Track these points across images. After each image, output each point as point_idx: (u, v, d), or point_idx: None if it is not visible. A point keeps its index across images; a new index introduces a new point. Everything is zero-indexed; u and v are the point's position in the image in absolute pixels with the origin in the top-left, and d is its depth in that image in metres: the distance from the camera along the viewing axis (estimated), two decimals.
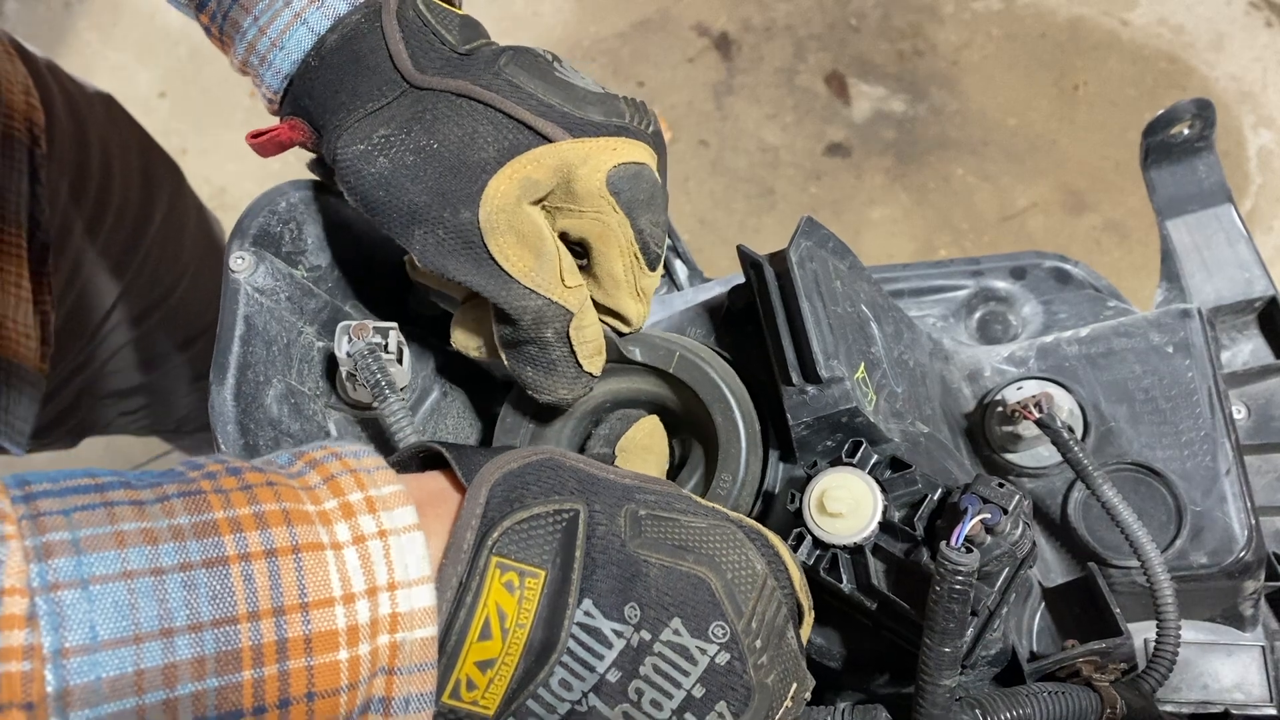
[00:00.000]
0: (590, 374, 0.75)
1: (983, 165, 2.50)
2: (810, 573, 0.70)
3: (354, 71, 0.71)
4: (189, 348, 1.46)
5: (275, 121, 0.77)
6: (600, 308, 0.76)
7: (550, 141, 0.69)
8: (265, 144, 0.76)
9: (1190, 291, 0.92)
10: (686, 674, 0.53)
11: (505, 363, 0.74)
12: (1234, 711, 0.78)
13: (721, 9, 2.74)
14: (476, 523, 0.51)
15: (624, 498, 0.57)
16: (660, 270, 0.77)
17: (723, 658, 0.54)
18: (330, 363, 0.82)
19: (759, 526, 0.62)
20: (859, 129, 2.58)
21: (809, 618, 0.63)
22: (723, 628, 0.54)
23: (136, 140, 1.34)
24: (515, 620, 0.51)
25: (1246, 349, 0.92)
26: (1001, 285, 0.96)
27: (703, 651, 0.54)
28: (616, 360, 0.79)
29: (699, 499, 0.62)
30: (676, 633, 0.53)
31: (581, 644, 0.52)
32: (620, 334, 0.78)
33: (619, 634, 0.52)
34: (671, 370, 0.78)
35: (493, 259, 0.68)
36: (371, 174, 0.69)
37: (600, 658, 0.52)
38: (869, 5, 2.69)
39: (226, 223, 2.65)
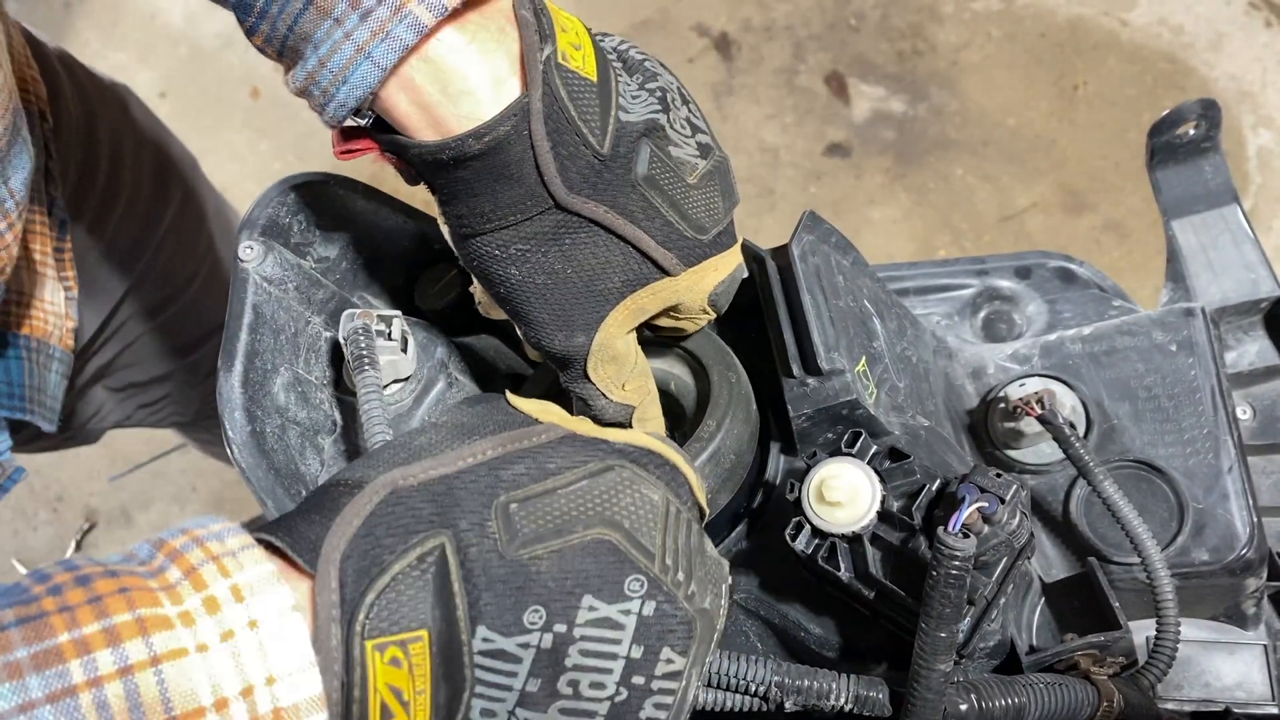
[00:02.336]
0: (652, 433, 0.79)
1: (982, 165, 2.50)
2: (809, 561, 0.70)
3: (496, 180, 0.66)
4: (209, 340, 1.46)
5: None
6: None
7: (668, 274, 0.71)
8: (350, 159, 0.72)
9: (1196, 292, 0.92)
10: (618, 642, 0.52)
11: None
12: (1235, 710, 0.79)
13: (721, 9, 2.74)
14: (337, 612, 0.47)
15: (488, 493, 0.54)
16: None
17: (649, 608, 0.53)
18: (336, 352, 0.82)
19: (647, 441, 0.60)
20: (859, 129, 2.58)
21: (705, 513, 0.62)
22: (638, 580, 0.53)
23: (151, 132, 1.33)
24: (412, 690, 0.48)
25: (1252, 350, 0.92)
26: (1006, 284, 0.96)
27: (625, 613, 0.52)
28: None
29: (580, 434, 0.59)
30: (592, 609, 0.52)
31: (489, 669, 0.50)
32: None
33: (524, 645, 0.51)
34: (683, 343, 0.79)
35: (586, 373, 0.72)
36: (499, 276, 0.70)
37: (513, 675, 0.50)
38: (869, 5, 2.69)
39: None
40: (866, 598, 0.70)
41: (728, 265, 0.75)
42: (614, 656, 0.52)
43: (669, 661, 0.53)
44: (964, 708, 0.64)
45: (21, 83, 1.03)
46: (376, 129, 0.68)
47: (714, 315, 0.77)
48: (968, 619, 0.67)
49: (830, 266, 0.79)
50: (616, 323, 0.71)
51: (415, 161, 0.67)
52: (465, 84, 0.63)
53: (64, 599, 0.43)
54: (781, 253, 0.78)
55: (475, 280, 0.73)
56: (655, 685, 0.53)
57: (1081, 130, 2.51)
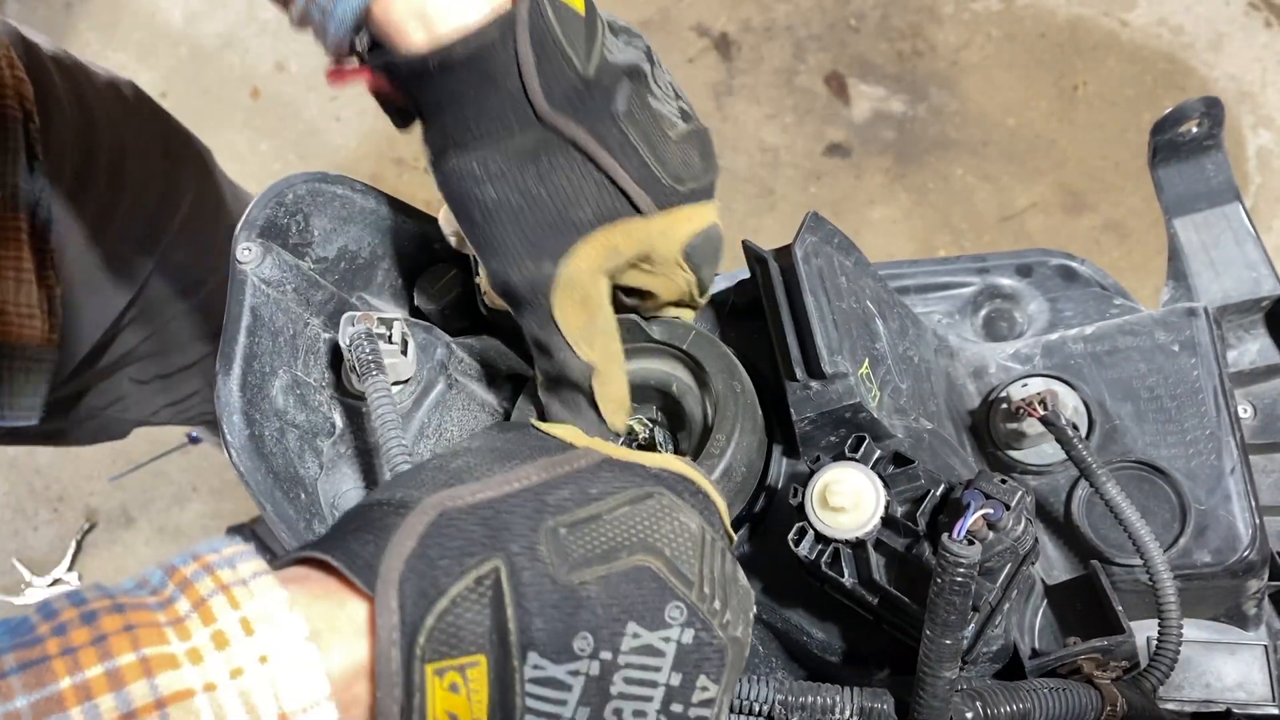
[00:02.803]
0: (613, 430, 0.77)
1: (982, 165, 2.50)
2: (812, 567, 0.70)
3: (480, 88, 0.69)
4: None
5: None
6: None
7: (641, 214, 0.72)
8: (342, 83, 0.74)
9: (1197, 290, 0.92)
10: (658, 669, 0.52)
11: (539, 391, 0.78)
12: (1236, 710, 0.78)
13: (721, 9, 2.74)
14: (398, 635, 0.47)
15: (538, 518, 0.53)
16: (705, 300, 0.81)
17: (688, 636, 0.53)
18: (336, 354, 0.82)
19: (680, 468, 0.60)
20: (859, 129, 2.58)
21: (733, 540, 0.62)
22: (678, 607, 0.53)
23: (159, 126, 1.32)
24: (471, 715, 0.48)
25: (1253, 348, 0.92)
26: (1007, 282, 0.96)
27: (666, 640, 0.52)
28: (633, 342, 0.80)
29: (616, 459, 0.59)
30: (636, 635, 0.52)
31: (540, 698, 0.49)
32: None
33: (574, 673, 0.50)
34: (685, 347, 0.79)
35: (551, 310, 0.72)
36: (476, 197, 0.71)
37: (564, 703, 0.50)
38: (869, 6, 2.69)
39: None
40: (870, 604, 0.69)
41: (703, 218, 0.75)
42: (655, 684, 0.52)
43: (704, 689, 0.53)
44: (969, 716, 0.64)
45: (4, 88, 1.03)
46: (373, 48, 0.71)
47: (693, 279, 0.76)
48: (972, 625, 0.67)
49: (833, 268, 0.79)
50: (586, 256, 0.71)
51: (404, 72, 0.69)
52: None
53: (68, 639, 0.42)
54: (784, 254, 0.77)
55: (450, 212, 0.74)
56: (692, 713, 0.53)
57: (1081, 130, 2.51)
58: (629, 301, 0.79)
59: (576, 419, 0.76)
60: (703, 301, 0.81)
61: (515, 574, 0.50)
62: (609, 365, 0.75)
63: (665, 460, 0.60)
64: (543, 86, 0.68)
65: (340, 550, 0.50)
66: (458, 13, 0.67)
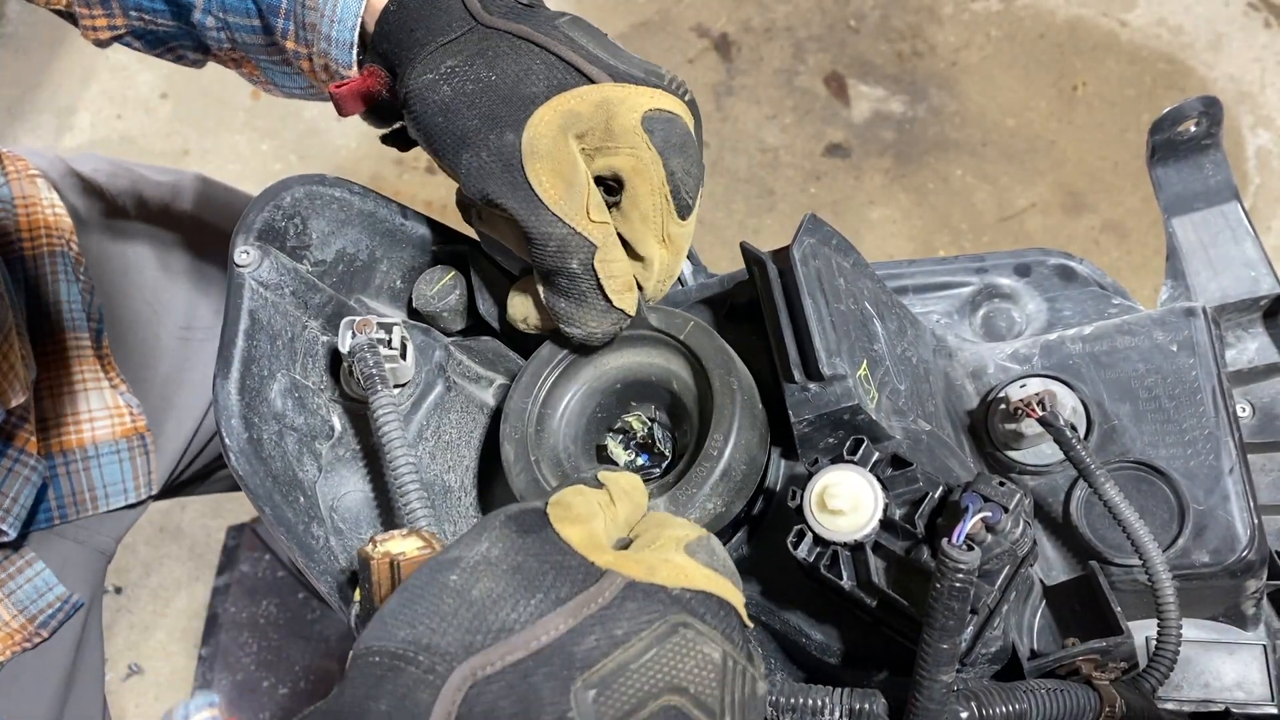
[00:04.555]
0: (622, 310, 0.78)
1: (982, 166, 2.50)
2: (810, 569, 0.70)
3: (429, 12, 0.79)
4: None
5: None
6: (628, 250, 0.79)
7: (594, 83, 0.76)
8: (346, 96, 0.83)
9: (1196, 289, 0.91)
10: None
11: (542, 296, 0.79)
12: (1235, 710, 0.78)
13: (721, 10, 2.74)
14: None
15: (565, 679, 0.53)
16: (692, 224, 0.80)
17: None
18: (334, 357, 0.82)
19: (703, 583, 0.60)
20: (858, 130, 2.58)
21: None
22: None
23: (210, 219, 1.39)
24: None
25: (1252, 347, 0.92)
26: (1006, 282, 0.96)
27: None
28: (632, 329, 0.81)
29: (637, 583, 0.58)
30: None
31: None
32: (641, 288, 0.80)
33: None
34: (683, 338, 0.79)
35: (528, 182, 0.74)
36: (435, 100, 0.77)
37: None
38: (868, 6, 2.69)
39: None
40: (869, 606, 0.69)
41: (666, 102, 0.77)
42: None
43: None
44: (965, 716, 0.64)
45: (48, 229, 1.17)
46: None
47: (660, 165, 0.76)
48: (970, 628, 0.67)
49: (831, 269, 0.79)
50: (544, 120, 0.75)
51: (378, 35, 0.81)
52: None
53: None
54: (782, 256, 0.77)
55: (421, 136, 0.81)
56: None
57: (1081, 130, 2.51)
58: (610, 200, 0.78)
59: (581, 309, 0.77)
60: (686, 226, 0.80)
61: None
62: (605, 239, 0.76)
63: (685, 578, 0.59)
64: (482, 3, 0.79)
65: None
66: None
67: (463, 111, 0.76)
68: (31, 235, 1.15)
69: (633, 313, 0.79)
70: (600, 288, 0.76)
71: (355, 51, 0.83)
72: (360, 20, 0.82)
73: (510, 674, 0.53)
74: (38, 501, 1.10)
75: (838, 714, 0.64)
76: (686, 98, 0.79)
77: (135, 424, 1.19)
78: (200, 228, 1.33)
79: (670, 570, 0.59)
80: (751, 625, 0.62)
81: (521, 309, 0.82)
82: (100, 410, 1.16)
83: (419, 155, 2.74)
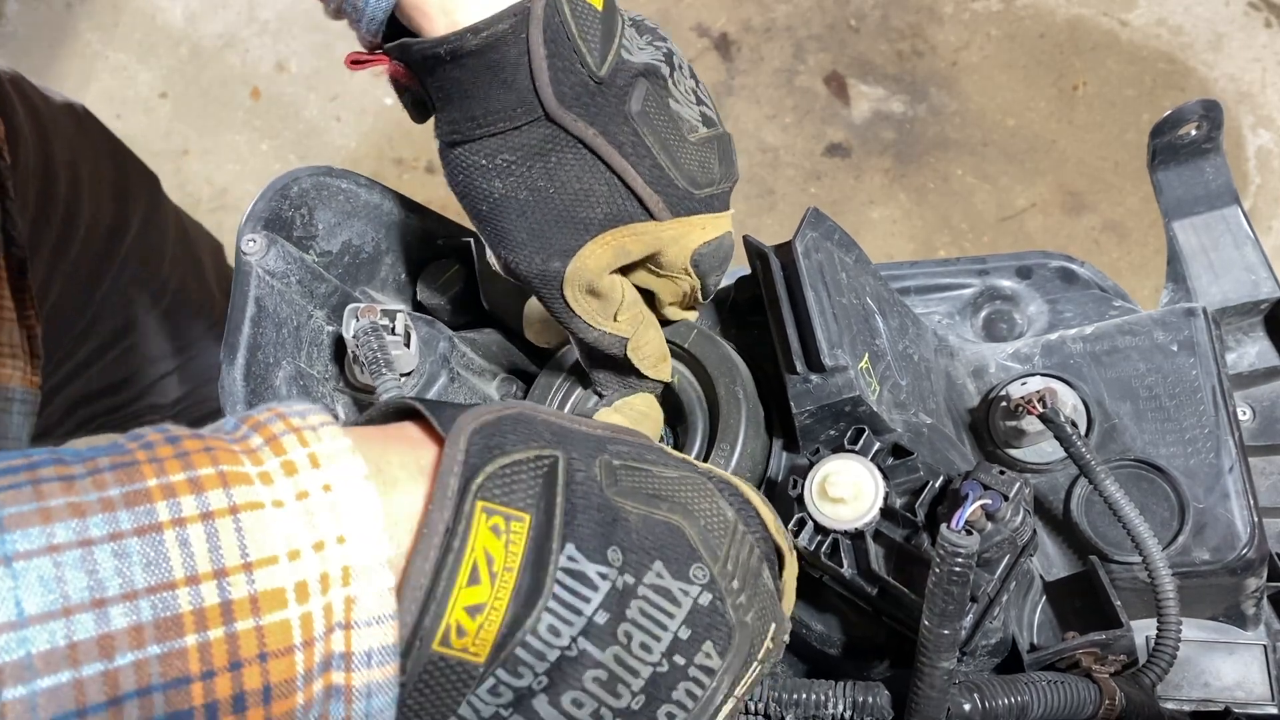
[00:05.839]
0: (657, 380, 0.80)
1: (982, 166, 2.51)
2: (811, 558, 0.70)
3: (490, 82, 0.69)
4: (185, 353, 1.46)
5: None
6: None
7: (653, 218, 0.72)
8: (361, 68, 0.75)
9: (1196, 293, 0.92)
10: (671, 615, 0.53)
11: (582, 361, 0.80)
12: (1235, 709, 0.79)
13: (721, 10, 2.74)
14: (459, 468, 0.50)
15: (598, 448, 0.56)
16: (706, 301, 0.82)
17: (705, 598, 0.54)
18: (339, 346, 0.82)
19: (728, 476, 0.62)
20: (858, 129, 2.58)
21: (791, 560, 0.63)
22: (702, 569, 0.55)
23: (109, 151, 1.30)
24: (503, 564, 0.50)
25: (1252, 351, 0.92)
26: (1007, 284, 0.96)
27: (685, 593, 0.54)
28: None
29: (670, 451, 0.62)
30: (659, 575, 0.53)
31: (567, 588, 0.51)
32: None
33: (604, 576, 0.52)
34: (687, 346, 0.80)
35: (563, 298, 0.74)
36: (483, 190, 0.72)
37: (587, 600, 0.51)
38: (868, 6, 2.69)
39: (229, 223, 2.66)
40: (869, 594, 0.70)
41: (717, 227, 0.76)
42: (665, 628, 0.53)
43: (707, 655, 0.54)
44: (968, 708, 0.64)
45: None
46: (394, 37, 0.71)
47: (696, 284, 0.77)
48: (970, 616, 0.67)
49: (833, 263, 0.79)
50: (594, 255, 0.72)
51: (416, 59, 0.70)
52: None
53: (154, 453, 0.46)
54: (785, 249, 0.78)
55: (460, 202, 0.74)
56: (691, 672, 0.54)
57: (1081, 130, 2.51)
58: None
59: (621, 382, 0.80)
60: (704, 303, 0.82)
61: (570, 470, 0.53)
62: (638, 330, 0.77)
63: (713, 468, 0.62)
64: (553, 83, 0.68)
65: (430, 404, 0.55)
66: (478, 4, 0.67)
67: (511, 217, 0.72)
68: None
69: (668, 378, 0.81)
70: (634, 368, 0.78)
71: (384, 25, 0.72)
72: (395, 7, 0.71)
73: (552, 424, 0.56)
74: None
75: (841, 707, 0.65)
76: (734, 182, 0.79)
77: (33, 378, 1.07)
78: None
79: (705, 466, 0.63)
80: (787, 551, 0.63)
81: (542, 335, 0.83)
82: (9, 347, 1.03)
83: (419, 155, 2.75)
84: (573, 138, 0.70)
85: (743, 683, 0.56)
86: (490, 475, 0.51)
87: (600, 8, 0.70)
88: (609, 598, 0.52)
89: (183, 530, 0.43)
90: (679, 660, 0.54)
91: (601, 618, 0.52)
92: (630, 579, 0.53)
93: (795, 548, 0.70)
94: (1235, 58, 2.54)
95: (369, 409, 0.69)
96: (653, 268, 0.76)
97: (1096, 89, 2.55)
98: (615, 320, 0.76)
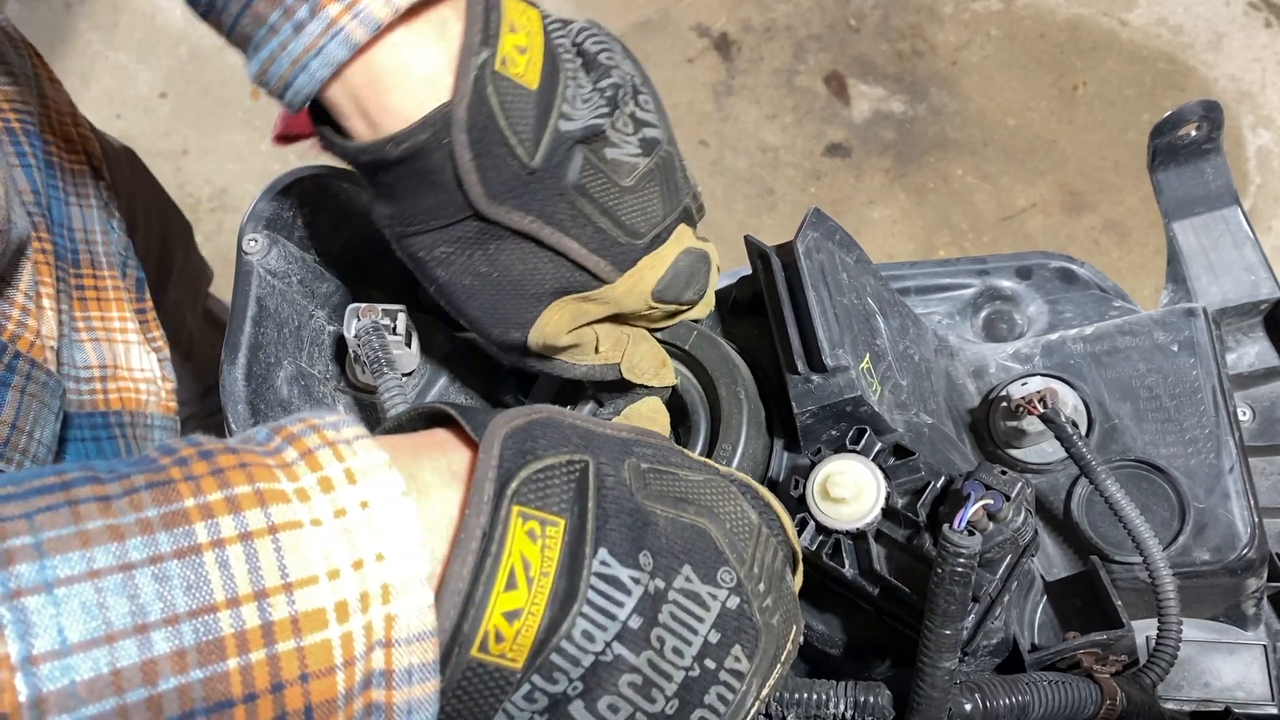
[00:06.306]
0: (662, 388, 0.81)
1: (982, 165, 2.51)
2: (812, 558, 0.70)
3: (417, 185, 0.67)
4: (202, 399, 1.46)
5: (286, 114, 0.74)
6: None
7: (603, 281, 0.72)
8: (287, 145, 0.75)
9: (1196, 293, 0.92)
10: (701, 620, 0.54)
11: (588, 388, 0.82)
12: (1235, 710, 0.79)
13: (721, 9, 2.74)
14: (494, 473, 0.50)
15: (625, 451, 0.57)
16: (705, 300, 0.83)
17: (733, 601, 0.54)
18: (340, 346, 0.82)
19: (749, 480, 0.62)
20: (859, 129, 2.58)
21: (799, 567, 0.64)
22: (730, 573, 0.55)
23: (156, 197, 1.32)
24: (539, 569, 0.50)
25: (1252, 351, 0.92)
26: (1007, 284, 0.96)
27: (714, 597, 0.54)
28: None
29: (690, 453, 0.62)
30: (688, 579, 0.54)
31: (601, 593, 0.51)
32: None
33: (636, 580, 0.52)
34: (688, 347, 0.80)
35: (534, 359, 0.76)
36: (429, 275, 0.72)
37: (621, 605, 0.51)
38: (868, 6, 2.69)
39: (229, 223, 2.66)
40: (871, 595, 0.70)
41: (664, 260, 0.75)
42: (695, 632, 0.53)
43: (737, 659, 0.55)
44: (969, 708, 0.64)
45: (73, 144, 1.01)
46: (322, 119, 0.68)
47: (673, 308, 0.78)
48: (972, 616, 0.67)
49: (834, 263, 0.79)
50: (551, 323, 0.73)
51: (347, 158, 0.68)
52: (398, 84, 0.64)
53: (190, 469, 0.45)
54: (786, 249, 0.78)
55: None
56: (722, 676, 0.54)
57: (1081, 130, 2.51)
58: None
59: (627, 397, 0.81)
60: (704, 308, 0.82)
61: (600, 475, 0.53)
62: (626, 351, 0.77)
63: (734, 472, 0.63)
64: (482, 183, 0.66)
65: (461, 409, 0.55)
66: (396, 108, 0.64)
67: (460, 300, 0.72)
68: (63, 145, 0.99)
69: (672, 382, 0.81)
70: (634, 383, 0.79)
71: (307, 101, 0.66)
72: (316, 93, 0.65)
73: (579, 428, 0.56)
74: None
75: (843, 707, 0.65)
76: (695, 197, 0.78)
77: (169, 404, 1.06)
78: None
79: (726, 469, 0.63)
80: (799, 552, 0.63)
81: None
82: (144, 374, 1.01)
83: None
84: (510, 232, 0.69)
85: (769, 684, 0.57)
86: (525, 480, 0.51)
87: (535, 86, 0.66)
88: (642, 602, 0.52)
89: (222, 551, 0.43)
90: (710, 664, 0.54)
91: (635, 622, 0.52)
92: (661, 583, 0.53)
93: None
94: (1235, 58, 2.54)
95: (398, 412, 0.69)
96: (617, 315, 0.77)
97: (1097, 89, 2.55)
98: (597, 353, 0.76)
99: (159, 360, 1.02)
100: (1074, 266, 0.95)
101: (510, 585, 0.49)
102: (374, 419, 0.82)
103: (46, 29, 2.93)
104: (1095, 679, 0.69)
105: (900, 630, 0.72)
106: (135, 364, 0.99)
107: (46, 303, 0.84)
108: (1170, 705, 0.79)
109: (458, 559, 0.48)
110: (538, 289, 0.71)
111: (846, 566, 0.70)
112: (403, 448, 0.52)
